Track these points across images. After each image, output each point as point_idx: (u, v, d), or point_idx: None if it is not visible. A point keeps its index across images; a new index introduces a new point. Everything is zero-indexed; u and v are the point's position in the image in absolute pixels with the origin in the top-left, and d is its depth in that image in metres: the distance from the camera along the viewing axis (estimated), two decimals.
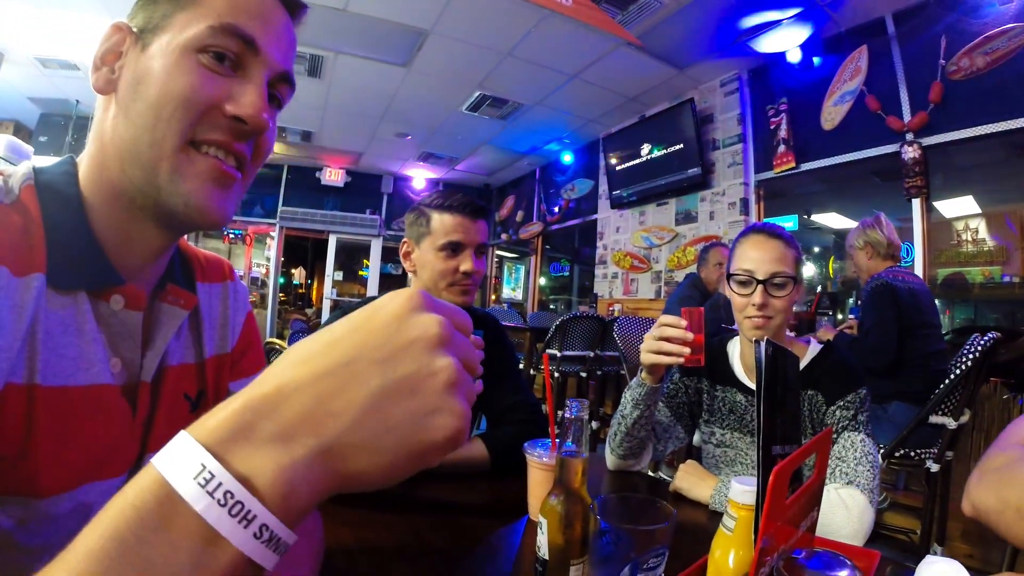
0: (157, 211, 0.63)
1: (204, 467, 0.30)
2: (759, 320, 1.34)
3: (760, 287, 1.33)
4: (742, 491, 0.68)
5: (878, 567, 0.83)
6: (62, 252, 0.59)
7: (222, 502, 0.30)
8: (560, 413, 0.82)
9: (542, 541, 0.76)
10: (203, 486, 0.30)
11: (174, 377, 0.73)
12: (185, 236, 0.74)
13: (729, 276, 1.40)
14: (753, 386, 1.41)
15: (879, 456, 1.22)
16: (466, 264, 1.43)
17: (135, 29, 0.63)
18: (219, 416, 0.32)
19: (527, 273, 10.03)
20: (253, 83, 0.63)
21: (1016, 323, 4.79)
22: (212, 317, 0.82)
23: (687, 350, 1.21)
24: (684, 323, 1.22)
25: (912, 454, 2.47)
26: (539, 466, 1.02)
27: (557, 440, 1.06)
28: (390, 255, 9.64)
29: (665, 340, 1.23)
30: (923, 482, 2.46)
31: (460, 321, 0.40)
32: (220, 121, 0.62)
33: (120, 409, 0.64)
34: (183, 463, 0.30)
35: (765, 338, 0.70)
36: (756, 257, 1.36)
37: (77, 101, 6.68)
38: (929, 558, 0.69)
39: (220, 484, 0.30)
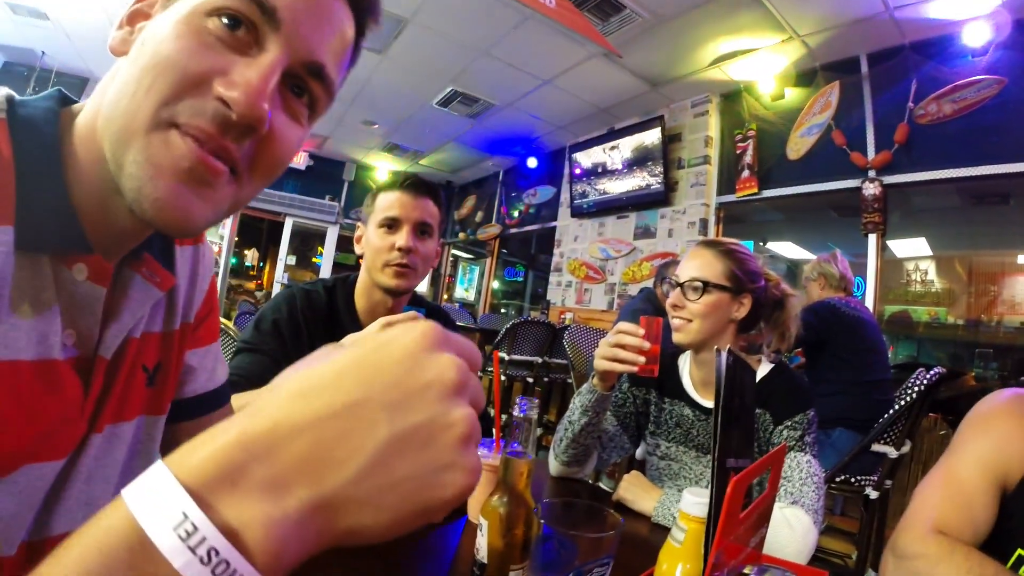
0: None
1: (186, 517, 0.25)
2: (677, 321, 1.38)
3: (678, 289, 1.38)
4: (694, 503, 0.65)
5: None
6: (32, 205, 0.49)
7: (205, 560, 0.25)
8: (508, 414, 0.78)
9: (481, 543, 0.72)
10: (184, 539, 0.25)
11: (135, 348, 0.63)
12: None
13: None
14: (701, 401, 1.42)
15: (823, 478, 1.23)
16: (401, 240, 1.38)
17: None
18: (204, 452, 0.27)
19: (481, 275, 9.93)
20: (258, 61, 0.50)
21: (956, 363, 4.98)
22: (184, 284, 0.73)
23: (642, 359, 1.20)
24: (641, 332, 1.22)
25: (852, 480, 2.51)
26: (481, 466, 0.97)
27: (502, 440, 1.02)
28: (345, 243, 9.37)
29: (621, 347, 1.22)
30: (861, 508, 2.50)
31: (472, 358, 0.36)
32: (207, 105, 0.48)
33: (71, 386, 0.54)
34: (161, 508, 0.25)
35: (727, 347, 0.67)
36: (685, 264, 1.42)
37: (43, 52, 6.24)
38: None
39: (204, 539, 0.25)
